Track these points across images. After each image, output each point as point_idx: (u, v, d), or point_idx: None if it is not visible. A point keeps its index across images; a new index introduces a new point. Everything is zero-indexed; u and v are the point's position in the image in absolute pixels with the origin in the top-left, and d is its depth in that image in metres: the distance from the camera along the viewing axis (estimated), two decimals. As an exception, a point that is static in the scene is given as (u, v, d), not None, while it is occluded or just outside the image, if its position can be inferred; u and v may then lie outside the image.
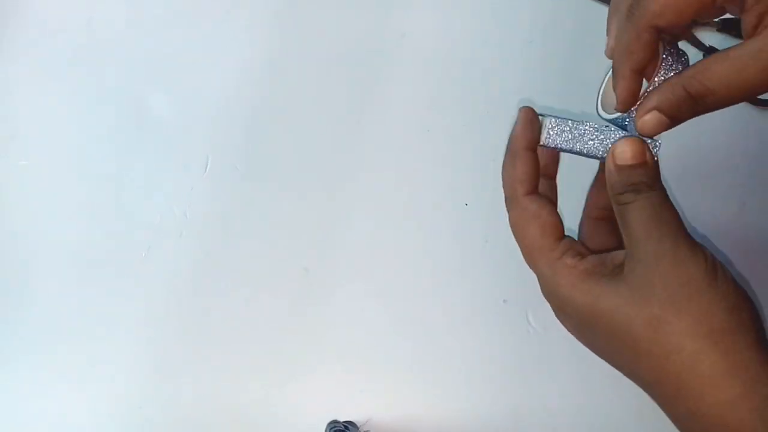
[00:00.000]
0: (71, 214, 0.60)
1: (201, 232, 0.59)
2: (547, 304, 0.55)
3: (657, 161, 0.32)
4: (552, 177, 0.38)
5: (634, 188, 0.30)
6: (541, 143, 0.35)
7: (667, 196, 0.31)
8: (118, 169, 0.61)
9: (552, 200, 0.35)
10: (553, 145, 0.35)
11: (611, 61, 0.36)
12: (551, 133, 0.35)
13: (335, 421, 0.54)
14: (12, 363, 0.58)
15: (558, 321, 0.35)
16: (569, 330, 0.34)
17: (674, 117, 0.32)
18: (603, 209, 0.36)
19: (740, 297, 0.28)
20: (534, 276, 0.55)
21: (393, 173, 0.59)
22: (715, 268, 0.28)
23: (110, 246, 0.59)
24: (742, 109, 0.58)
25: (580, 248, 0.32)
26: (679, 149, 0.58)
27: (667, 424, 0.31)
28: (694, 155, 0.58)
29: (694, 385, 0.26)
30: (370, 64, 0.61)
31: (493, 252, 0.56)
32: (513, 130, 0.36)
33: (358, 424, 0.54)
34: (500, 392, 0.55)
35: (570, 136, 0.35)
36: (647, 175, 0.31)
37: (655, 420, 0.52)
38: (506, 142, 0.58)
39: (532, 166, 0.35)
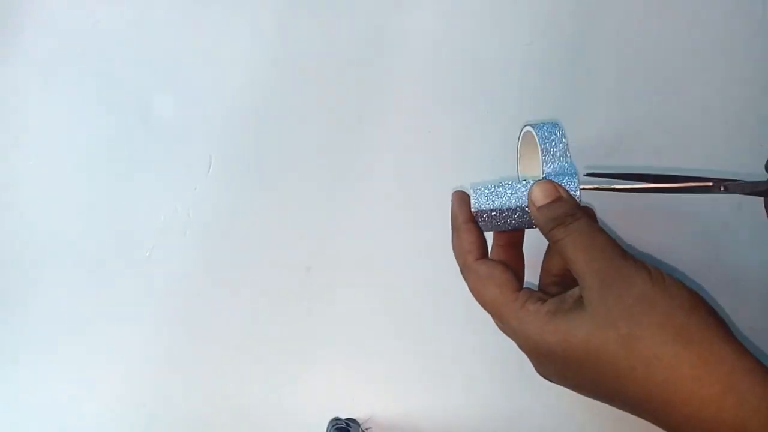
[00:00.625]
0: (76, 214, 0.61)
1: (204, 232, 0.60)
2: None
3: (576, 197, 0.35)
4: (518, 245, 0.41)
5: (559, 221, 0.32)
6: (472, 209, 0.38)
7: (594, 221, 0.33)
8: (122, 169, 0.62)
9: (504, 262, 0.37)
10: (483, 208, 0.38)
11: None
12: (477, 197, 0.38)
13: (337, 419, 0.54)
14: (17, 360, 0.59)
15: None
16: (554, 379, 0.34)
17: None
18: (555, 275, 0.39)
19: (693, 298, 0.29)
20: (532, 275, 0.55)
21: (394, 173, 0.59)
22: (661, 277, 0.29)
23: (115, 245, 0.60)
24: (742, 108, 0.58)
25: (539, 295, 0.34)
26: (677, 148, 0.58)
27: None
28: (692, 154, 0.58)
29: (682, 387, 0.27)
30: (372, 66, 0.61)
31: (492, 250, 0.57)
32: (451, 211, 0.40)
33: (360, 422, 0.55)
34: (501, 390, 0.55)
35: (493, 196, 0.38)
36: (565, 207, 0.33)
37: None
38: (505, 143, 0.59)
39: (475, 235, 0.37)
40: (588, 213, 0.35)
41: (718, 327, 0.28)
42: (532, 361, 0.35)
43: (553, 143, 0.39)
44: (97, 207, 0.61)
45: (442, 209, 0.59)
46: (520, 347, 0.35)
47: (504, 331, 0.36)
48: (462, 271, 0.38)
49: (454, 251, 0.39)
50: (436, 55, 0.61)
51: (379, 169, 0.60)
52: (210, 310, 0.58)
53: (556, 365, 0.32)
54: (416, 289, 0.57)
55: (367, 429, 0.55)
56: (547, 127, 0.41)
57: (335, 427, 0.52)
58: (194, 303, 0.59)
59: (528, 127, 0.43)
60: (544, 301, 0.33)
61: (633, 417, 0.53)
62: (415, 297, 0.57)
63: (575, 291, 0.32)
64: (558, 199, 0.34)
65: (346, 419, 0.54)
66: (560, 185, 0.35)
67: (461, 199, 0.39)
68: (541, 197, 0.34)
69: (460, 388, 0.56)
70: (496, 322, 0.36)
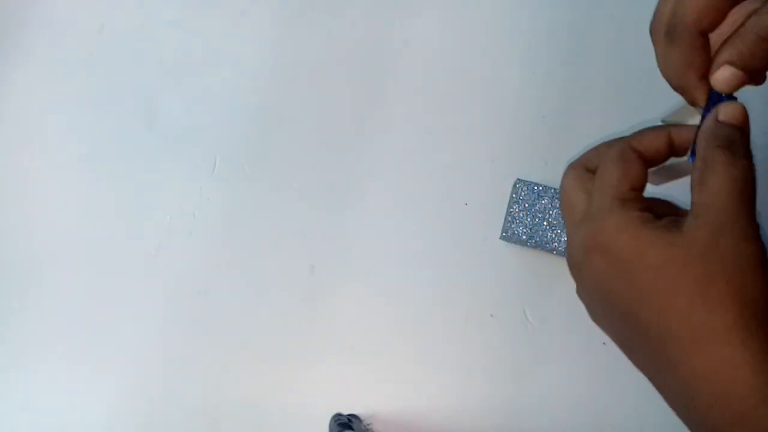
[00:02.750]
0: (83, 214, 0.62)
1: (209, 231, 0.61)
2: (543, 301, 0.56)
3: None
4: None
5: (732, 148, 0.30)
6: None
7: (753, 173, 0.30)
8: (128, 170, 0.62)
9: (646, 170, 0.34)
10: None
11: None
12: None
13: (339, 414, 0.55)
14: (25, 358, 0.60)
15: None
16: (588, 274, 0.32)
17: (749, 66, 0.30)
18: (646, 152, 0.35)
19: None
20: (530, 273, 0.56)
21: (395, 174, 0.60)
22: (766, 254, 0.28)
23: (121, 245, 0.61)
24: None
25: (645, 205, 0.31)
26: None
27: (661, 413, 0.31)
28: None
29: (728, 341, 0.27)
30: (374, 69, 0.62)
31: (492, 250, 0.57)
32: (686, 127, 0.34)
33: (362, 417, 0.55)
34: (500, 385, 0.56)
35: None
36: (746, 140, 0.31)
37: (650, 411, 0.53)
38: (505, 143, 0.60)
39: (657, 149, 0.33)
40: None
41: None
42: (578, 247, 0.32)
43: None
44: (104, 207, 0.62)
45: (441, 209, 0.60)
46: (579, 229, 0.32)
47: (572, 213, 0.33)
48: (611, 144, 0.34)
49: (635, 133, 0.35)
50: (437, 60, 0.62)
51: (381, 170, 0.60)
52: (214, 309, 0.59)
53: (606, 265, 0.30)
54: (418, 288, 0.58)
55: (368, 424, 0.55)
56: None
57: (337, 422, 0.53)
58: (199, 301, 0.59)
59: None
60: (642, 210, 0.30)
61: (629, 408, 0.54)
62: (417, 295, 0.58)
63: (671, 220, 0.30)
64: (745, 127, 0.31)
65: (348, 415, 0.55)
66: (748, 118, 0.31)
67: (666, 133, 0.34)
68: (731, 115, 0.31)
69: (460, 384, 0.56)
70: (572, 200, 0.33)
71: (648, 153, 0.33)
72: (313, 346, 0.58)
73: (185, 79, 0.63)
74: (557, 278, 0.55)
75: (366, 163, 0.60)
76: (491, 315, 0.57)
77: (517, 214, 0.56)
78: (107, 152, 0.62)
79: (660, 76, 0.62)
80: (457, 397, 0.56)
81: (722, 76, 0.31)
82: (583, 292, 0.33)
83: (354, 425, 0.53)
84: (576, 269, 0.33)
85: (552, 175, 0.57)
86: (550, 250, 0.55)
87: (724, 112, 0.31)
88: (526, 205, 0.56)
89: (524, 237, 0.55)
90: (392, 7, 0.63)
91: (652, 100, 0.60)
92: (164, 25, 0.65)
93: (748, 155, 0.30)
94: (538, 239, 0.55)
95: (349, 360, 0.57)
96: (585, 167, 0.34)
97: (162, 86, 0.63)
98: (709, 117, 0.32)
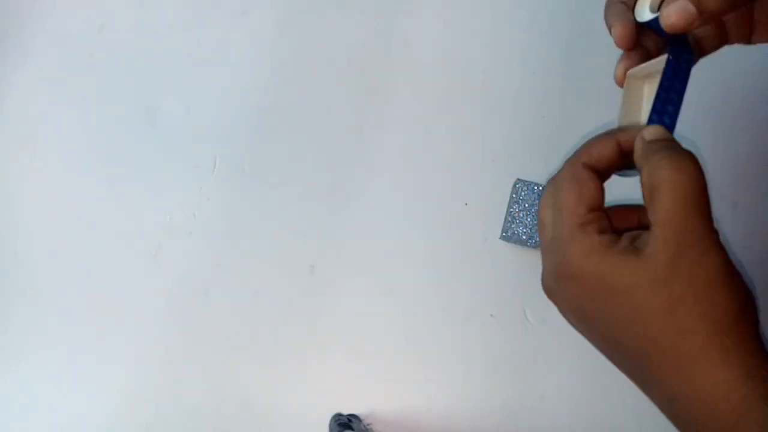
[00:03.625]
0: (83, 214, 0.62)
1: (210, 231, 0.61)
2: (543, 301, 0.56)
3: None
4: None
5: (667, 147, 0.29)
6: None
7: (702, 177, 0.29)
8: (128, 170, 0.62)
9: (602, 186, 0.34)
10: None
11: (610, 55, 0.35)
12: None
13: (339, 414, 0.55)
14: (25, 358, 0.60)
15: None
16: (560, 301, 0.32)
17: (703, 6, 0.30)
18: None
19: (748, 293, 0.29)
20: (530, 273, 0.56)
21: (395, 174, 0.60)
22: (731, 264, 0.29)
23: (121, 244, 0.61)
24: (736, 109, 0.59)
25: (604, 226, 0.31)
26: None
27: (661, 414, 0.32)
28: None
29: (705, 363, 0.27)
30: (374, 69, 0.62)
31: (491, 250, 0.58)
32: (629, 127, 0.35)
33: (362, 417, 0.55)
34: (499, 385, 0.56)
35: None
36: (678, 146, 0.30)
37: (650, 412, 0.53)
38: (505, 143, 0.60)
39: (608, 156, 0.33)
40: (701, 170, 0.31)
41: (756, 327, 0.29)
42: (550, 273, 0.33)
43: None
44: (104, 207, 0.62)
45: (441, 208, 0.60)
46: (549, 256, 0.33)
47: (543, 233, 0.34)
48: (566, 162, 0.34)
49: (584, 144, 0.35)
50: (437, 61, 0.62)
51: (381, 170, 0.60)
52: (214, 309, 0.59)
53: (579, 293, 0.31)
54: (418, 288, 0.58)
55: (368, 424, 0.55)
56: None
57: (337, 422, 0.53)
58: (199, 301, 0.59)
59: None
60: (604, 232, 0.31)
61: (628, 408, 0.54)
62: (417, 295, 0.58)
63: (633, 234, 0.31)
64: (672, 140, 0.31)
65: (348, 414, 0.55)
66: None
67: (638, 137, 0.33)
68: (654, 134, 0.31)
69: (460, 384, 0.57)
70: (554, 217, 0.33)
71: (600, 165, 0.33)
72: (313, 346, 0.58)
73: (185, 79, 0.63)
74: (557, 278, 0.55)
75: (366, 163, 0.60)
76: (491, 315, 0.57)
77: (517, 214, 0.56)
78: (107, 152, 0.63)
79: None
80: (457, 397, 0.56)
81: (674, 11, 0.30)
82: (562, 314, 0.33)
83: (354, 425, 0.53)
84: (550, 295, 0.33)
85: (552, 175, 0.57)
86: None
87: (649, 132, 0.32)
88: (526, 205, 0.56)
89: (524, 237, 0.55)
90: (392, 7, 0.63)
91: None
92: (164, 25, 0.65)
93: (691, 156, 0.30)
94: (538, 239, 0.55)
95: (349, 360, 0.57)
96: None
97: (162, 86, 0.63)
98: (638, 140, 0.32)
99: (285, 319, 0.58)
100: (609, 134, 0.34)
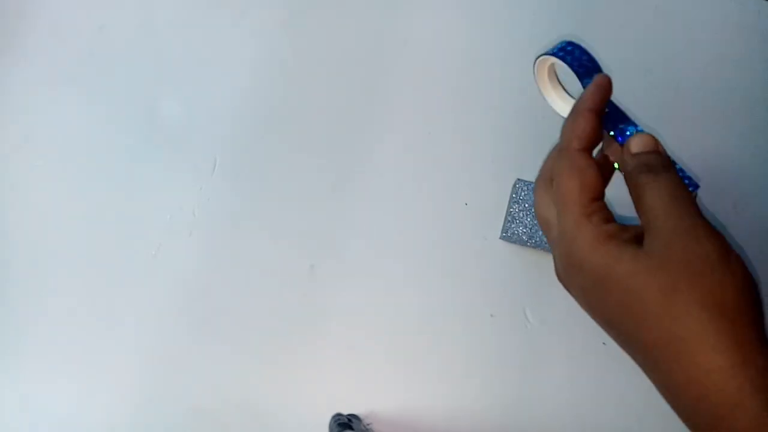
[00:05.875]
0: (84, 214, 0.62)
1: (209, 231, 0.61)
2: (543, 301, 0.56)
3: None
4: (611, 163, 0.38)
5: (651, 169, 0.32)
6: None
7: (681, 180, 0.32)
8: (129, 170, 0.62)
9: (602, 168, 0.35)
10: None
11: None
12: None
13: (339, 414, 0.55)
14: (25, 358, 0.60)
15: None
16: (573, 290, 0.34)
17: None
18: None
19: (748, 279, 0.29)
20: (530, 273, 0.56)
21: (395, 174, 0.60)
22: (728, 249, 0.29)
23: (122, 244, 0.61)
24: (735, 109, 0.59)
25: (608, 215, 0.33)
26: (673, 151, 0.59)
27: (661, 413, 0.32)
28: (688, 156, 0.59)
29: (699, 349, 0.28)
30: (374, 70, 0.62)
31: (491, 250, 0.58)
32: (584, 92, 0.37)
33: (362, 417, 0.56)
34: (500, 385, 0.56)
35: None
36: (661, 158, 0.33)
37: (650, 411, 0.53)
38: (504, 143, 0.60)
39: (591, 127, 0.35)
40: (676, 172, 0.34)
41: (758, 313, 0.29)
42: (560, 264, 0.34)
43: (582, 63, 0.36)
44: (104, 207, 0.62)
45: (441, 209, 0.60)
46: (557, 247, 0.34)
47: (549, 230, 0.35)
48: (559, 152, 0.35)
49: (563, 129, 0.36)
50: (436, 61, 0.62)
51: (381, 170, 0.60)
52: (214, 308, 0.59)
53: (585, 281, 0.32)
54: (418, 288, 0.58)
55: (368, 424, 0.55)
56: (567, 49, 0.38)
57: (337, 422, 0.53)
58: (199, 301, 0.59)
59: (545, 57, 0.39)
60: (608, 221, 0.32)
61: (627, 407, 0.54)
62: (417, 295, 0.58)
63: (638, 228, 0.32)
64: (656, 151, 0.33)
65: (348, 414, 0.55)
66: (659, 141, 0.34)
67: (603, 87, 0.36)
68: (641, 145, 0.33)
69: (460, 384, 0.57)
70: (558, 208, 0.34)
71: (591, 142, 0.35)
72: (313, 346, 0.58)
73: (185, 79, 0.63)
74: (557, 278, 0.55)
75: (366, 163, 0.60)
76: (491, 315, 0.57)
77: (517, 214, 0.56)
78: (107, 152, 0.63)
79: (660, 76, 0.63)
80: (457, 397, 0.56)
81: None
82: (577, 302, 0.35)
83: (354, 425, 0.53)
84: (563, 284, 0.35)
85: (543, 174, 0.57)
86: (550, 250, 0.55)
87: (635, 143, 0.34)
88: (526, 205, 0.56)
89: (524, 237, 0.55)
90: (392, 7, 0.63)
91: (652, 100, 0.60)
92: (164, 25, 0.65)
93: (668, 167, 0.32)
94: (538, 239, 0.55)
95: (349, 360, 0.57)
96: (550, 179, 0.36)
97: (162, 86, 0.63)
98: (624, 150, 0.34)
99: (285, 319, 0.58)
100: (582, 112, 0.35)
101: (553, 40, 0.62)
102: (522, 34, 0.62)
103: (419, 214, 0.59)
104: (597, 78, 0.36)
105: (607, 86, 0.36)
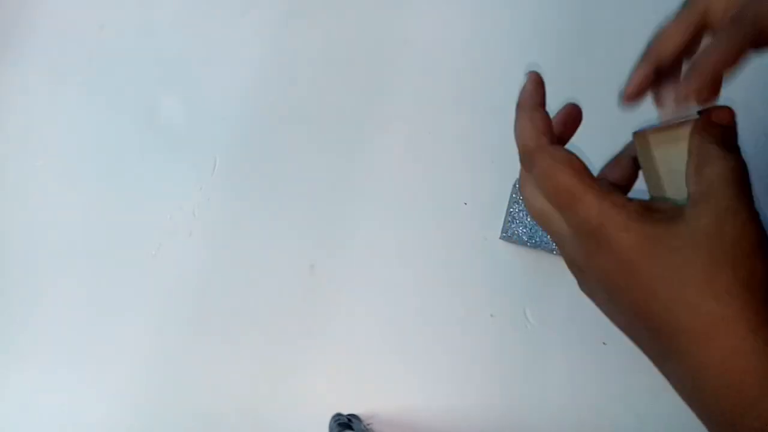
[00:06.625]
0: (84, 213, 0.62)
1: (210, 231, 0.61)
2: (543, 301, 0.56)
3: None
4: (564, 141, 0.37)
5: (724, 144, 0.31)
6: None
7: (746, 166, 0.30)
8: (128, 170, 0.62)
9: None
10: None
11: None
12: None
13: (339, 414, 0.55)
14: (25, 358, 0.60)
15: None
16: (595, 274, 0.32)
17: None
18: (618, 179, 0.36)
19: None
20: (530, 273, 0.56)
21: (395, 174, 0.60)
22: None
23: (122, 244, 0.61)
24: (735, 108, 0.59)
25: (616, 189, 0.31)
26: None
27: (661, 414, 0.32)
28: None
29: (737, 329, 0.27)
30: (374, 70, 0.62)
31: (491, 250, 0.58)
32: (523, 91, 0.36)
33: (362, 417, 0.55)
34: (500, 385, 0.56)
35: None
36: (734, 139, 0.32)
37: (650, 411, 0.53)
38: (504, 143, 0.60)
39: (548, 121, 0.34)
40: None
41: None
42: (576, 252, 0.32)
43: None
44: (104, 207, 0.62)
45: (441, 208, 0.60)
46: (569, 237, 0.32)
47: (566, 217, 0.32)
48: (530, 154, 0.34)
49: (519, 132, 0.35)
50: (436, 60, 0.62)
51: (381, 170, 0.60)
52: (215, 308, 0.59)
53: (608, 266, 0.30)
54: (417, 287, 0.58)
55: (368, 424, 0.55)
56: None
57: (337, 422, 0.53)
58: (199, 301, 0.59)
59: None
60: (627, 198, 0.30)
61: (627, 407, 0.54)
62: (417, 295, 0.58)
63: (664, 204, 0.31)
64: (733, 128, 0.32)
65: (348, 414, 0.55)
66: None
67: (539, 82, 0.36)
68: (721, 117, 0.32)
69: (461, 384, 0.56)
70: (561, 207, 0.32)
71: (554, 134, 0.34)
72: (313, 345, 0.58)
73: (185, 79, 0.63)
74: (557, 278, 0.55)
75: (366, 162, 0.60)
76: (491, 315, 0.57)
77: (517, 214, 0.56)
78: (107, 152, 0.63)
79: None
80: (457, 397, 0.56)
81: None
82: (587, 290, 0.33)
83: (354, 425, 0.53)
84: (579, 272, 0.33)
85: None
86: (550, 250, 0.55)
87: (716, 114, 0.32)
88: None
89: (524, 237, 0.55)
90: (392, 7, 0.63)
91: (652, 102, 0.60)
92: (164, 25, 0.65)
93: (737, 150, 0.31)
94: (538, 239, 0.55)
95: (349, 359, 0.57)
96: (535, 188, 0.34)
97: (162, 86, 0.63)
98: (702, 117, 0.33)
99: (285, 319, 0.58)
100: (535, 107, 0.35)
101: (553, 39, 0.62)
102: (522, 34, 0.62)
103: (419, 214, 0.59)
104: (530, 75, 0.36)
105: (541, 80, 0.36)
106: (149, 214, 0.61)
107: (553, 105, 0.61)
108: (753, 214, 0.29)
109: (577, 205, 0.31)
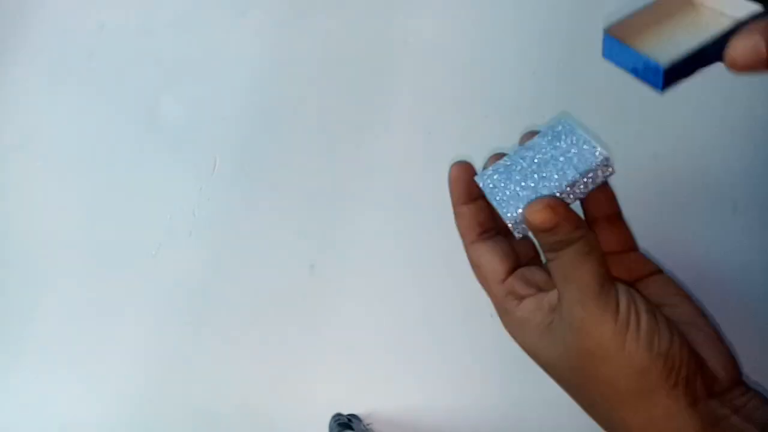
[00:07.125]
0: (84, 214, 0.62)
1: (209, 231, 0.61)
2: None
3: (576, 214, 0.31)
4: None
5: (551, 248, 0.31)
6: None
7: (588, 244, 0.30)
8: (129, 170, 0.62)
9: (498, 240, 0.36)
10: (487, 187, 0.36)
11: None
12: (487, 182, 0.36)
13: (339, 414, 0.55)
14: (25, 358, 0.60)
15: None
16: (551, 355, 0.34)
17: None
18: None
19: (652, 354, 0.28)
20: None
21: (395, 174, 0.60)
22: (626, 324, 0.28)
23: (122, 244, 0.61)
24: (735, 109, 0.59)
25: (520, 289, 0.33)
26: (674, 150, 0.59)
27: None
28: (688, 156, 0.59)
29: (657, 400, 0.27)
30: (374, 69, 0.62)
31: (492, 250, 0.58)
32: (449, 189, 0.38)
33: (362, 417, 0.55)
34: (500, 385, 0.56)
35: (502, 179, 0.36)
36: (559, 234, 0.30)
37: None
38: (504, 143, 0.60)
39: (469, 218, 0.36)
40: (584, 233, 0.31)
41: (674, 379, 0.28)
42: (562, 358, 0.33)
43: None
44: (104, 207, 0.62)
45: (441, 208, 0.59)
46: (556, 344, 0.33)
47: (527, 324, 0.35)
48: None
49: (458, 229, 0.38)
50: (436, 60, 0.62)
51: (381, 170, 0.60)
52: (215, 308, 0.59)
53: (557, 372, 0.32)
54: (417, 288, 0.58)
55: (368, 424, 0.55)
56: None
57: (337, 422, 0.53)
58: (199, 301, 0.59)
59: None
60: (521, 299, 0.33)
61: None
62: (417, 295, 0.58)
63: (551, 298, 0.32)
64: (554, 228, 0.30)
65: (348, 415, 0.55)
66: (559, 204, 0.31)
67: (457, 177, 0.36)
68: (537, 222, 0.31)
69: (460, 384, 0.56)
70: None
71: (478, 228, 0.36)
72: (313, 345, 0.58)
73: (185, 79, 0.63)
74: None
75: (366, 162, 0.60)
76: (491, 315, 0.57)
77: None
78: (107, 152, 0.63)
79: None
80: (457, 397, 0.56)
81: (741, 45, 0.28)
82: (546, 368, 0.34)
83: (354, 425, 0.53)
84: (529, 348, 0.34)
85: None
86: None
87: (531, 220, 0.31)
88: None
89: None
90: (392, 7, 0.63)
91: (651, 100, 0.60)
92: (164, 25, 0.65)
93: (570, 240, 0.30)
94: None
95: (349, 360, 0.57)
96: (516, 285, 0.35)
97: (162, 86, 0.63)
98: (527, 224, 0.33)
99: (285, 319, 0.58)
100: (455, 209, 0.36)
101: (553, 39, 0.62)
102: (523, 33, 0.62)
103: (419, 214, 0.59)
104: (451, 170, 0.37)
105: (458, 174, 0.36)
106: (149, 214, 0.61)
107: (556, 109, 0.61)
108: (592, 313, 0.29)
109: (498, 312, 0.35)
